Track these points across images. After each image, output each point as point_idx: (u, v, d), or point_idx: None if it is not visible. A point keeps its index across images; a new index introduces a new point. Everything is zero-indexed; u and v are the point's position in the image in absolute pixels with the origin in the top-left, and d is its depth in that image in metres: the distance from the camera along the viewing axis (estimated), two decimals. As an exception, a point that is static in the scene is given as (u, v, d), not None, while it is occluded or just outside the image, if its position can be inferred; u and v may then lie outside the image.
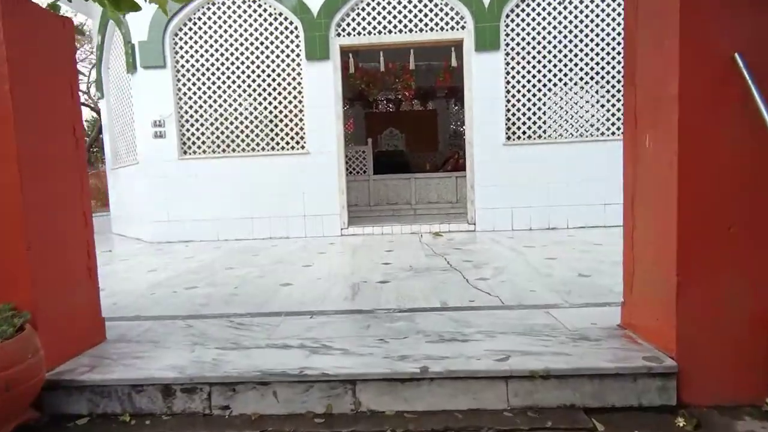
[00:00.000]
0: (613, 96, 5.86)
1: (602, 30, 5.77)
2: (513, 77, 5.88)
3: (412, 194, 7.66)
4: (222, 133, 6.13)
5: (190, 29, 6.02)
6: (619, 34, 5.77)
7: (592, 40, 5.79)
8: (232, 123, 6.10)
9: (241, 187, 6.06)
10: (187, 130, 6.13)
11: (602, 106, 5.88)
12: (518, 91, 5.90)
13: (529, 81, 5.89)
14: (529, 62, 5.86)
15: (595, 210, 5.89)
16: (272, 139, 6.11)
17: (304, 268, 3.84)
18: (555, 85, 5.89)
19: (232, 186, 6.07)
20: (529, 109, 5.94)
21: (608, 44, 5.78)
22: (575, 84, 5.86)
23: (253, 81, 6.02)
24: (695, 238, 1.67)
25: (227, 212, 6.09)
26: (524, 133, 5.96)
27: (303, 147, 6.07)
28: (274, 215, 6.08)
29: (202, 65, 6.04)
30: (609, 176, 5.80)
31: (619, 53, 5.79)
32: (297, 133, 6.09)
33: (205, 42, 6.01)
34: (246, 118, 6.08)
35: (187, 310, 2.70)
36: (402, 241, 5.33)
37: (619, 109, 5.87)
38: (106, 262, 4.69)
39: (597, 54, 5.79)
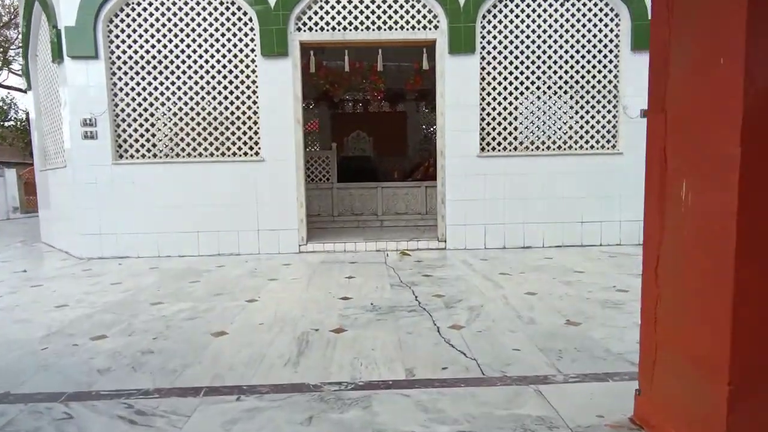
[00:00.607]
0: (593, 107, 5.50)
1: (583, 36, 5.40)
2: (489, 83, 5.44)
3: (378, 204, 7.14)
4: (164, 135, 5.41)
5: (128, 15, 5.27)
6: (600, 41, 5.42)
7: (572, 47, 5.41)
8: (176, 124, 5.39)
9: (186, 197, 5.37)
10: (123, 130, 5.38)
11: (581, 117, 5.51)
12: (494, 99, 5.46)
13: (505, 88, 5.46)
14: (506, 68, 5.42)
15: (572, 228, 5.54)
16: (222, 144, 5.44)
17: (247, 305, 3.25)
18: (532, 93, 5.49)
19: (174, 195, 5.37)
20: (504, 119, 5.51)
21: (589, 51, 5.42)
22: (554, 93, 5.48)
23: (201, 77, 5.33)
24: (757, 331, 1.21)
25: (170, 225, 5.39)
26: (499, 144, 5.53)
27: (257, 153, 5.43)
28: (223, 229, 5.42)
29: (142, 57, 5.30)
30: (586, 193, 5.47)
31: (600, 62, 5.44)
32: (251, 138, 5.44)
33: (146, 31, 5.28)
34: (192, 119, 5.39)
35: (79, 381, 2.07)
36: (366, 261, 4.80)
37: (598, 121, 5.53)
38: (12, 289, 3.95)
39: (577, 62, 5.42)
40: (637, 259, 4.65)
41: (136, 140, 5.40)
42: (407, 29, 5.32)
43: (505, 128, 5.51)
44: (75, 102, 5.26)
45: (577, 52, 5.42)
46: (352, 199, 7.14)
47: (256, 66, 5.32)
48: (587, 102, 5.50)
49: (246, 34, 5.32)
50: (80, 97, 5.25)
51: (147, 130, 5.39)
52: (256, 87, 5.34)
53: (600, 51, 5.43)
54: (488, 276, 4.03)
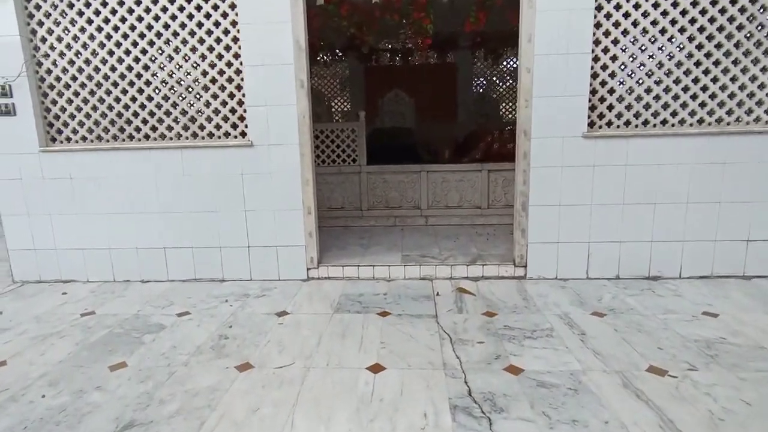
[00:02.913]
0: (784, 52, 3.31)
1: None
2: (608, 15, 3.32)
3: (422, 195, 5.27)
4: (110, 108, 3.70)
5: (45, -76, 3.46)
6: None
7: (760, -53, 3.16)
8: (126, 92, 3.65)
9: (147, 199, 3.72)
10: (54, 102, 3.71)
11: (756, 62, 3.33)
12: (615, 42, 3.36)
13: (636, 23, 3.33)
14: (638, -12, 3.28)
15: (729, 249, 3.51)
16: (193, 120, 3.68)
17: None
18: (683, 31, 3.33)
19: (130, 196, 3.72)
20: (631, 74, 3.42)
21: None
22: (717, 31, 3.30)
23: (156, 18, 3.51)
24: None
25: (126, 238, 3.79)
26: (620, 116, 3.47)
27: (243, 134, 3.65)
28: (200, 245, 3.77)
29: (71, -10, 3.52)
30: (759, 194, 3.40)
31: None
32: (233, 111, 3.65)
33: (71, -53, 3.47)
34: (148, 83, 3.63)
35: None
36: (405, 310, 3.03)
37: (792, 77, 3.33)
38: None
39: (766, -27, 3.19)
40: None
41: (72, 116, 3.72)
42: (475, -73, 3.24)
43: (630, 90, 3.42)
44: (-18, 60, 3.60)
45: (767, -45, 3.17)
46: (387, 188, 5.30)
47: (235, 1, 3.43)
48: (759, 43, 3.30)
49: (220, -53, 3.41)
50: (-12, 52, 3.58)
51: (87, 102, 3.68)
52: (237, 31, 3.47)
53: (808, -47, 3.16)
54: (631, 380, 2.16)
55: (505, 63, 7.84)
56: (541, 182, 3.50)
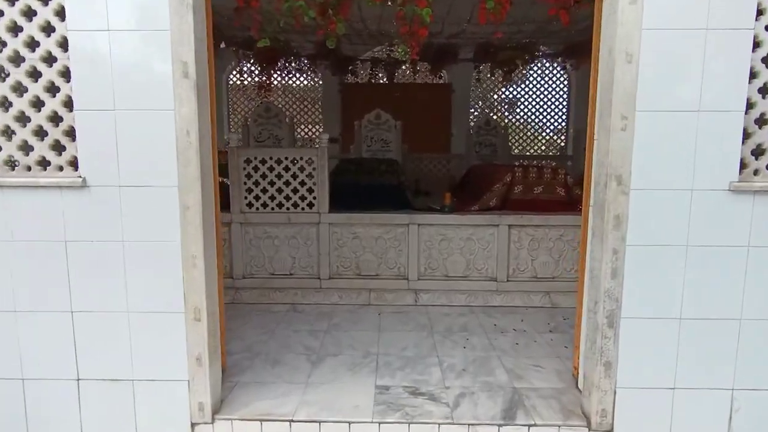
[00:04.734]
0: None
1: None
2: (781, -39, 1.74)
3: (411, 258, 3.55)
4: None
5: None
6: None
7: None
8: None
9: None
10: None
11: None
12: (788, 13, 1.76)
13: (831, -22, 1.75)
14: None
15: None
16: (-23, 135, 1.92)
17: None
18: None
19: None
20: (812, 76, 1.81)
21: None
22: None
23: None
24: None
25: None
26: (792, 152, 1.84)
27: (74, 164, 1.89)
28: (-15, 372, 1.95)
29: None
30: None
31: None
32: (54, 118, 1.89)
33: None
34: None
35: None
36: None
37: None
38: None
39: None
40: None
41: None
42: None
43: (816, 105, 1.81)
44: None
45: None
46: (359, 246, 3.56)
47: None
48: None
49: None
50: None
51: None
52: (61, -36, 1.78)
53: None
54: None
55: (522, 77, 6.35)
56: (647, 274, 1.82)
